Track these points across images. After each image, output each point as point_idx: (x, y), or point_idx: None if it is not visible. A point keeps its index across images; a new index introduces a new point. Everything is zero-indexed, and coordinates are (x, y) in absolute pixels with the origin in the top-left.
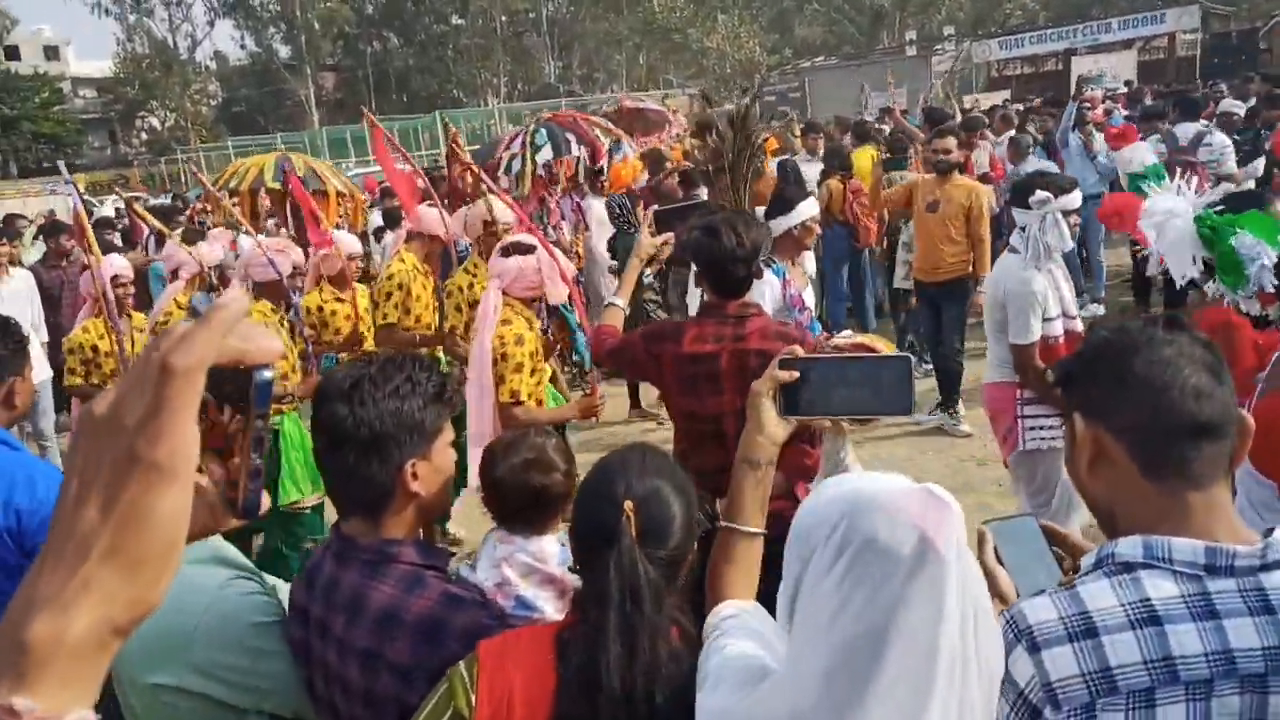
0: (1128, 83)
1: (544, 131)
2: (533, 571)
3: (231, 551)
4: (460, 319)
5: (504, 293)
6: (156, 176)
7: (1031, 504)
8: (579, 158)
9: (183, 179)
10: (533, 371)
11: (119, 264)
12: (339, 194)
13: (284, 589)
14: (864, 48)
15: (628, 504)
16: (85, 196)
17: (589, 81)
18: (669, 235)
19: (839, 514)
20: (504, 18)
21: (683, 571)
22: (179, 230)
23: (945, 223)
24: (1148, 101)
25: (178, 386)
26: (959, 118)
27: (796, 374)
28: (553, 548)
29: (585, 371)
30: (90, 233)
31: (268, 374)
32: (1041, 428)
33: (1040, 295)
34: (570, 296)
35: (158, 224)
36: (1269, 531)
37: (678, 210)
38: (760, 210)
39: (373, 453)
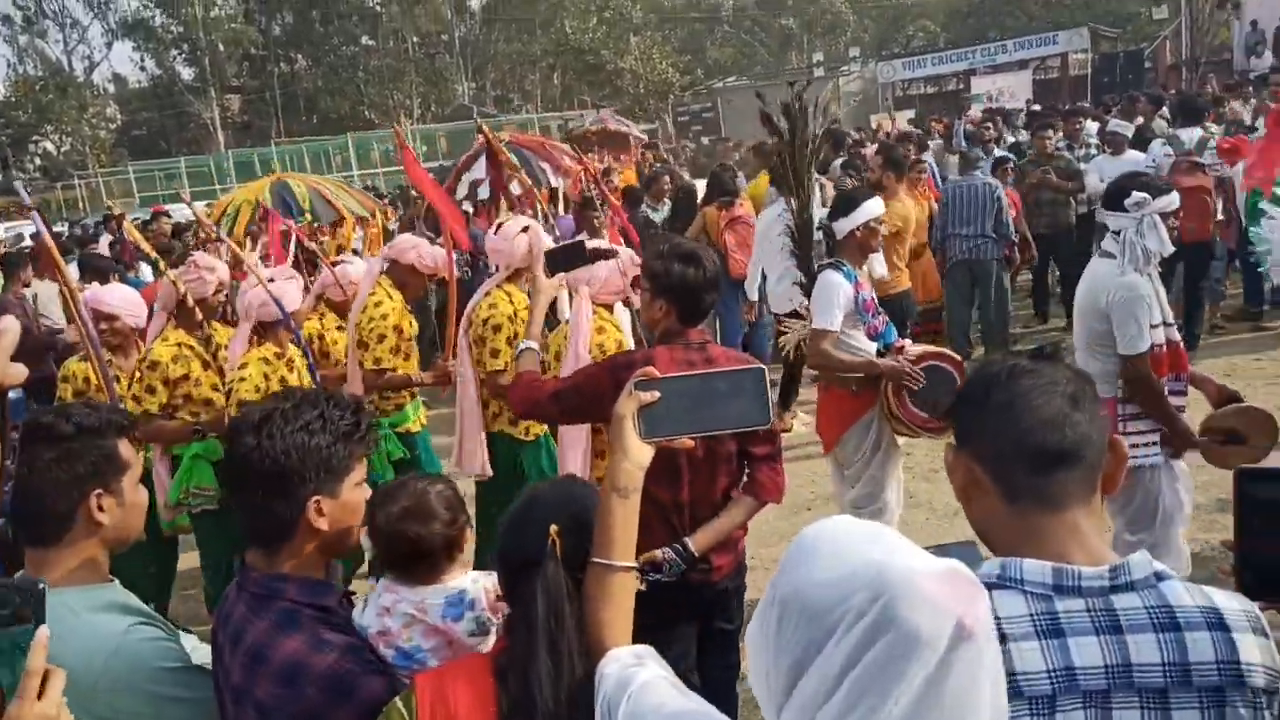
0: (1028, 101)
1: (515, 157)
2: (415, 622)
3: (131, 598)
4: (511, 353)
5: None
6: (52, 203)
7: (1130, 527)
8: (558, 189)
9: (81, 206)
10: None
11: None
12: (358, 219)
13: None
14: (774, 68)
15: (553, 527)
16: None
17: (504, 102)
18: (564, 276)
19: (868, 597)
20: (415, 39)
21: None
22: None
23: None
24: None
25: None
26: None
27: (657, 394)
28: (436, 600)
29: None
30: (63, 263)
31: (14, 394)
32: (1145, 444)
33: (1148, 299)
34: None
35: (148, 247)
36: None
37: (564, 250)
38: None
39: (276, 486)
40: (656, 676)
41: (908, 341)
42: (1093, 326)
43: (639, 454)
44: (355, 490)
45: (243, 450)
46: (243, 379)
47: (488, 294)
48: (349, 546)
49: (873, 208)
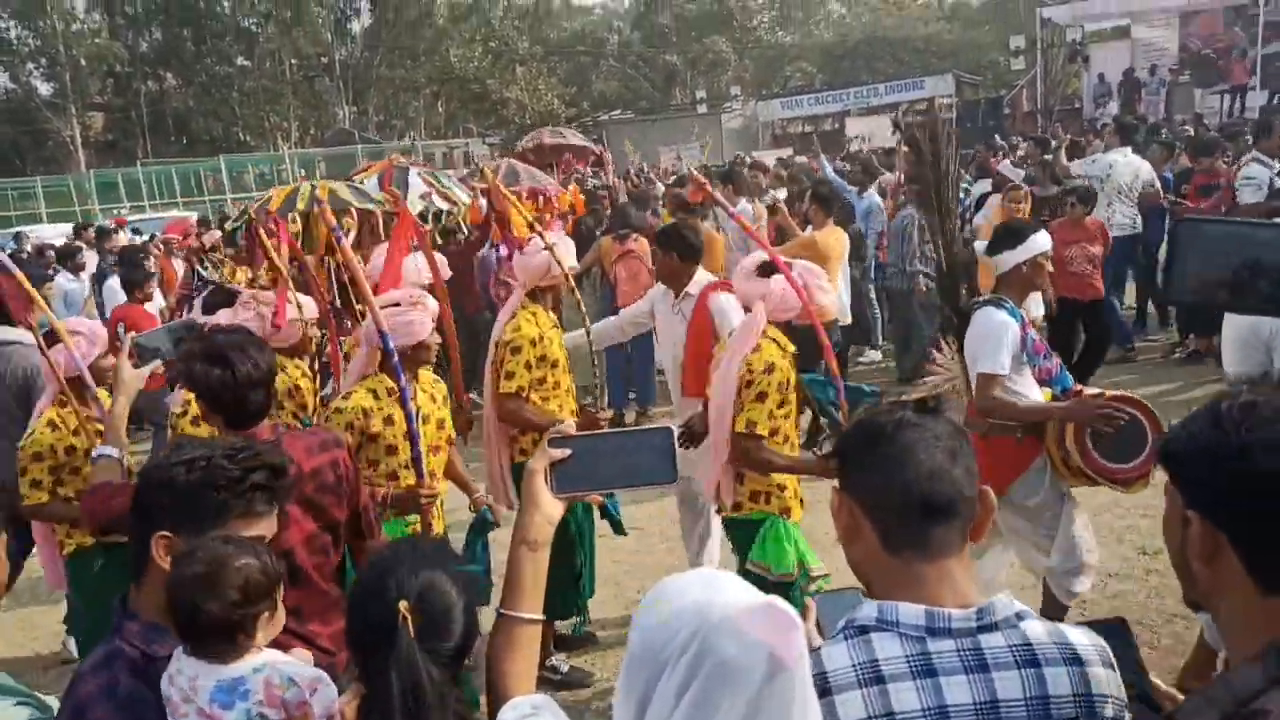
0: (898, 141)
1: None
2: (188, 701)
3: (3, 679)
4: (529, 377)
5: None
6: None
7: None
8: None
9: None
10: (781, 404)
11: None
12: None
13: None
14: (659, 103)
15: (402, 604)
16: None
17: (386, 128)
18: (155, 364)
19: (690, 633)
20: (294, 60)
21: (466, 661)
22: None
23: None
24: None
25: None
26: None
27: (568, 451)
28: (207, 682)
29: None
30: (39, 297)
31: None
32: None
33: None
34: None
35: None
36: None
37: (166, 331)
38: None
39: (136, 520)
40: None
41: (1085, 388)
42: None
43: (550, 508)
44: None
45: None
46: (338, 410)
47: (512, 316)
48: None
49: (1040, 241)
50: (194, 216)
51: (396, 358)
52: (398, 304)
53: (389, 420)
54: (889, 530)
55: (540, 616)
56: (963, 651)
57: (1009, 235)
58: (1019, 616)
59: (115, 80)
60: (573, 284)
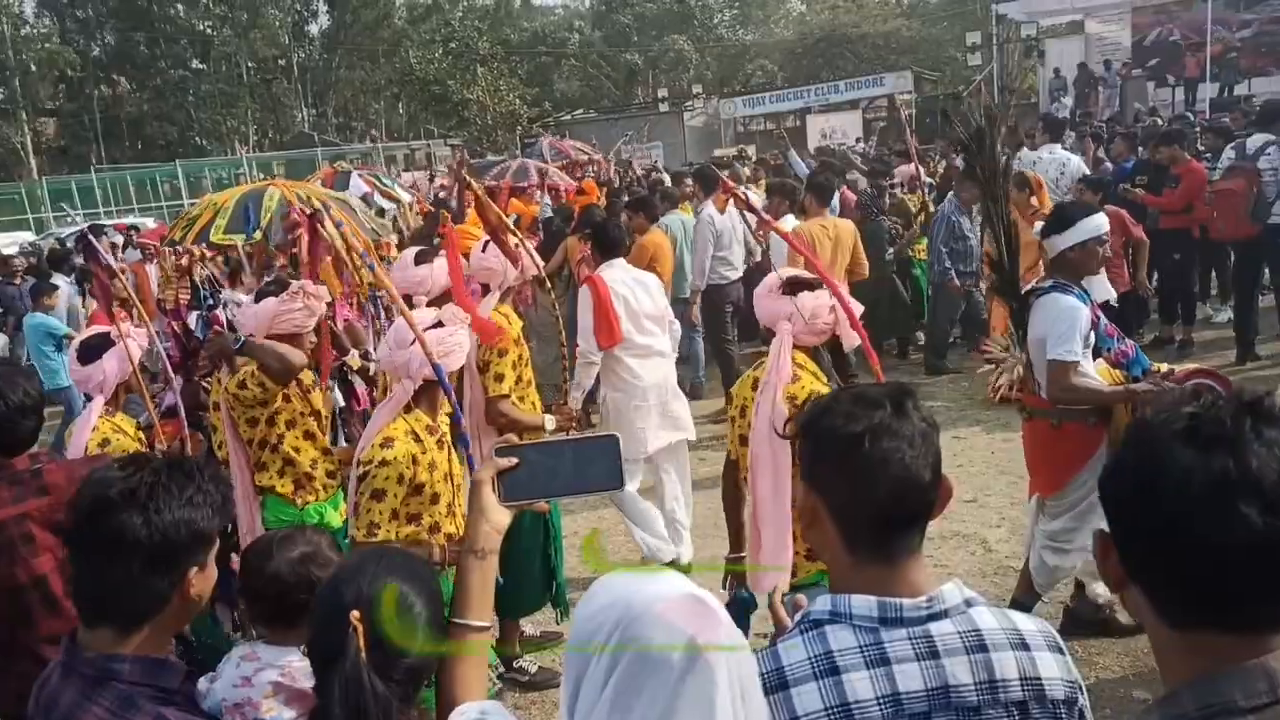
0: (858, 139)
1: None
2: (280, 690)
3: None
4: (513, 377)
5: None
6: None
7: None
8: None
9: None
10: None
11: None
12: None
13: None
14: (621, 102)
15: (353, 614)
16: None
17: (346, 130)
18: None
19: (613, 623)
20: (250, 64)
21: (428, 675)
22: None
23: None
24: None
25: None
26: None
27: (515, 460)
28: (305, 662)
29: None
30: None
31: None
32: None
33: None
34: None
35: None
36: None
37: None
38: None
39: (161, 563)
40: None
41: (1163, 365)
42: None
43: (498, 517)
44: (212, 558)
45: (124, 528)
46: (385, 461)
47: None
48: (198, 612)
49: (1090, 225)
50: (152, 223)
51: (452, 393)
52: (440, 324)
53: (432, 465)
54: (853, 537)
55: (488, 624)
56: (914, 640)
57: (1056, 219)
58: (968, 604)
59: (67, 85)
60: (549, 284)
